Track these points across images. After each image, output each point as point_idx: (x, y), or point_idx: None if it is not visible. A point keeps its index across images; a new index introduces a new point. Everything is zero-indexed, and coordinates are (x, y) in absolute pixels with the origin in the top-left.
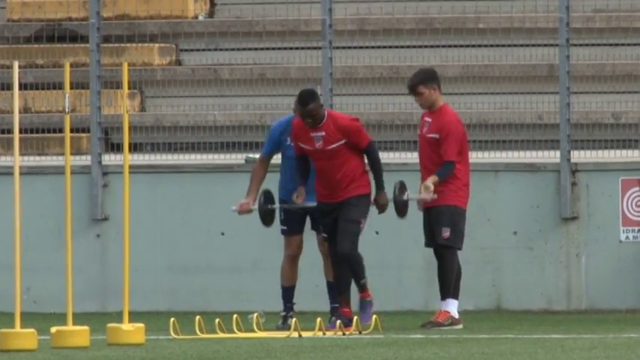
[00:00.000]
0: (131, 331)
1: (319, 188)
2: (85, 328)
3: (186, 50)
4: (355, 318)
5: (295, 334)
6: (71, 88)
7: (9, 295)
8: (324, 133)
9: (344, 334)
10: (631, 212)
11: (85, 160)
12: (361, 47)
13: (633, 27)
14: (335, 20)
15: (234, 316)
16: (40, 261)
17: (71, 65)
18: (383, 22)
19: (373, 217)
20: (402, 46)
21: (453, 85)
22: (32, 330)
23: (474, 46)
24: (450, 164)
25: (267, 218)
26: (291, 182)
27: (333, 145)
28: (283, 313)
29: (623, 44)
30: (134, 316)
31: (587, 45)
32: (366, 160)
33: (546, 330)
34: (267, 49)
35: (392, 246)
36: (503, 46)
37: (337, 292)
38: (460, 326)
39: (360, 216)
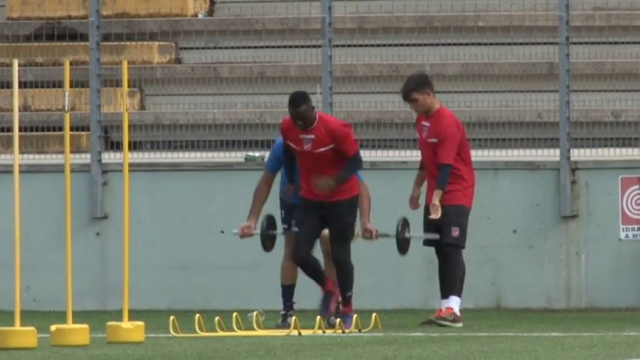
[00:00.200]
0: (131, 329)
1: (305, 185)
2: (85, 326)
3: (185, 48)
4: (356, 317)
5: (295, 333)
6: (71, 86)
7: (9, 293)
8: (313, 136)
9: (343, 332)
10: (631, 210)
11: (85, 158)
12: (361, 45)
13: (633, 25)
14: (335, 18)
15: (234, 314)
16: (40, 259)
17: (71, 63)
18: (382, 21)
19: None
20: (402, 45)
21: (453, 83)
22: (32, 328)
23: (473, 44)
24: (445, 167)
25: (267, 243)
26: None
27: (322, 149)
28: (283, 312)
29: (622, 42)
30: (134, 315)
31: (586, 43)
32: None
33: (546, 328)
34: (267, 47)
35: (392, 244)
36: (503, 44)
37: (315, 280)
38: (460, 324)
39: (353, 220)
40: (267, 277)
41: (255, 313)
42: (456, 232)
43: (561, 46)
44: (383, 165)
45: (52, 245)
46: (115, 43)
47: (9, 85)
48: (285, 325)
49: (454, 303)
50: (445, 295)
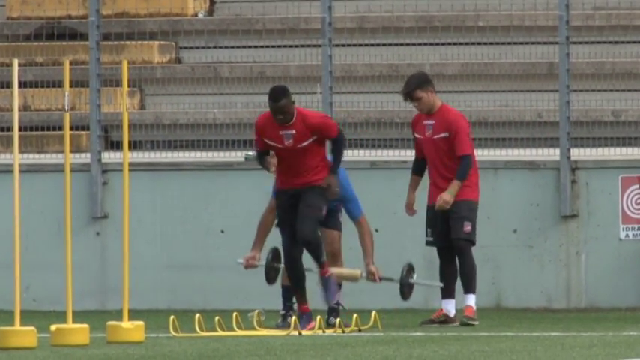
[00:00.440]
0: (131, 328)
1: (281, 177)
2: (85, 325)
3: (185, 48)
4: (356, 316)
5: (295, 332)
6: (71, 86)
7: (9, 292)
8: (294, 132)
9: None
10: (631, 210)
11: (85, 158)
12: (361, 45)
13: (633, 25)
14: (335, 18)
15: (234, 313)
16: (40, 259)
17: (71, 63)
18: (382, 20)
19: (373, 215)
20: (402, 44)
21: (453, 83)
22: (32, 328)
23: (473, 44)
24: (467, 158)
25: (271, 276)
26: None
27: (304, 144)
28: (283, 312)
29: (622, 42)
30: (134, 314)
31: (586, 43)
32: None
33: (546, 328)
34: (267, 47)
35: (392, 243)
36: (503, 44)
37: (293, 289)
38: (456, 324)
39: (322, 203)
40: None
41: (255, 312)
42: (468, 227)
43: (561, 46)
44: (383, 165)
45: (52, 245)
46: (115, 42)
47: (9, 85)
48: (285, 324)
49: (472, 300)
50: (466, 290)
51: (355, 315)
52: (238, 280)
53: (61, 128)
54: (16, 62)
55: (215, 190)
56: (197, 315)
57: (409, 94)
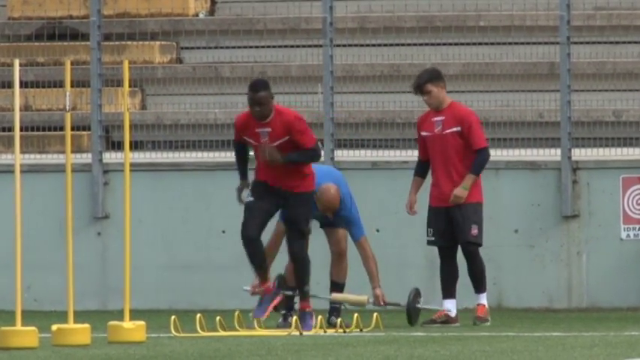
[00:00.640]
0: (132, 329)
1: (261, 173)
2: (86, 326)
3: (186, 48)
4: (357, 316)
5: (296, 332)
6: (72, 86)
7: (10, 293)
8: (270, 129)
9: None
10: (632, 210)
11: (86, 158)
12: (362, 45)
13: (634, 25)
14: (336, 18)
15: (236, 313)
16: (41, 259)
17: (72, 63)
18: (384, 20)
19: (374, 215)
20: (403, 44)
21: (454, 83)
22: (33, 328)
23: (474, 44)
24: (484, 151)
25: (279, 304)
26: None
27: (279, 142)
28: (283, 312)
29: (623, 42)
30: (135, 314)
31: (587, 43)
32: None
33: (547, 328)
34: (268, 47)
35: (393, 244)
36: (504, 44)
37: (254, 270)
38: (457, 324)
39: (308, 215)
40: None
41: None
42: (474, 230)
43: (562, 46)
44: (384, 165)
45: (54, 245)
46: (116, 42)
47: (10, 85)
48: (286, 324)
49: (484, 300)
50: (477, 290)
51: (356, 315)
52: (239, 280)
53: (62, 128)
54: (17, 62)
55: (216, 190)
56: (198, 315)
57: (420, 87)
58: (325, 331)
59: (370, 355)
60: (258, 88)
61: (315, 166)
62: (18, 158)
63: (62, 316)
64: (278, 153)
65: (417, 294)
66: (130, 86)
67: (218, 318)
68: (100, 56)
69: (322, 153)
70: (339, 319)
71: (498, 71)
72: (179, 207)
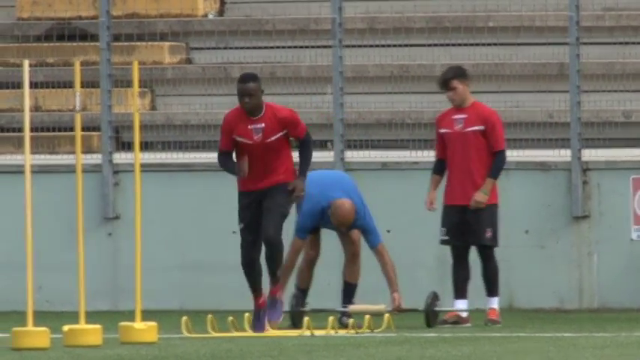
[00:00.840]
0: (143, 329)
1: (247, 182)
2: (98, 326)
3: (196, 49)
4: (368, 317)
5: (308, 333)
6: (82, 86)
7: (21, 293)
8: (263, 125)
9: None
10: None
11: (96, 158)
12: (371, 46)
13: None
14: (345, 19)
15: (247, 314)
16: (52, 260)
17: (81, 64)
18: (393, 21)
19: (384, 216)
20: (412, 45)
21: None
22: (45, 328)
23: (484, 44)
24: (502, 153)
25: (297, 320)
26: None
27: (273, 137)
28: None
29: (633, 42)
30: (146, 315)
31: (597, 43)
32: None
33: (558, 329)
34: (277, 47)
35: (404, 244)
36: (514, 44)
37: (251, 290)
38: (469, 325)
39: (287, 202)
40: None
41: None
42: (489, 232)
43: (572, 47)
44: (394, 165)
45: (64, 246)
46: (126, 43)
47: (20, 86)
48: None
49: (496, 303)
50: (489, 293)
51: (367, 316)
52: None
53: (72, 129)
54: (26, 63)
55: (226, 190)
56: (209, 316)
57: (446, 82)
58: (337, 332)
59: (382, 355)
60: (247, 79)
61: (324, 172)
62: (28, 159)
63: (73, 317)
64: (302, 183)
65: (434, 297)
66: (139, 87)
67: (230, 318)
68: (109, 57)
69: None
70: (350, 320)
71: (508, 72)
72: (189, 207)
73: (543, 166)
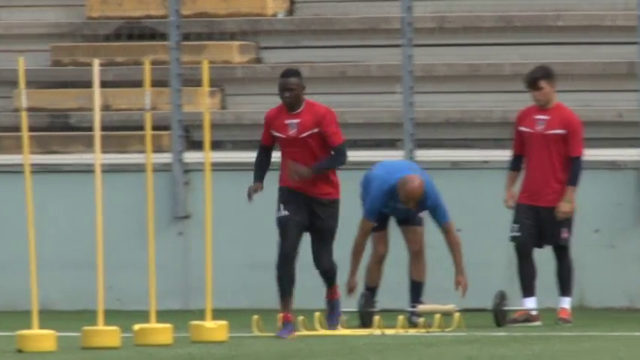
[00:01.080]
0: (214, 328)
1: (286, 178)
2: (168, 325)
3: (266, 48)
4: (438, 316)
5: (378, 332)
6: (151, 85)
7: (92, 292)
8: (299, 120)
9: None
10: None
11: (166, 157)
12: (441, 45)
13: None
14: (414, 18)
15: (316, 313)
16: (123, 259)
17: (151, 63)
18: (462, 20)
19: (454, 215)
20: (482, 44)
21: None
22: (115, 328)
23: (553, 43)
24: (579, 160)
25: (366, 320)
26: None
27: (306, 133)
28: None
29: None
30: (217, 314)
31: None
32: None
33: (629, 328)
34: (347, 47)
35: (474, 243)
36: (583, 43)
37: (281, 295)
38: (538, 322)
39: (336, 224)
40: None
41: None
42: (565, 233)
43: None
44: (464, 165)
45: (135, 245)
46: (195, 42)
47: (90, 85)
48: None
49: (567, 303)
50: (561, 293)
51: (438, 315)
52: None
53: (142, 128)
54: (96, 62)
55: None
56: (280, 315)
57: (534, 82)
58: (407, 331)
59: (452, 354)
60: (289, 74)
61: (391, 160)
62: (98, 158)
63: (144, 316)
64: (305, 169)
65: (503, 296)
66: (209, 86)
67: (301, 317)
68: (179, 56)
69: (347, 155)
70: (421, 319)
71: (577, 71)
72: (260, 206)
73: (613, 166)
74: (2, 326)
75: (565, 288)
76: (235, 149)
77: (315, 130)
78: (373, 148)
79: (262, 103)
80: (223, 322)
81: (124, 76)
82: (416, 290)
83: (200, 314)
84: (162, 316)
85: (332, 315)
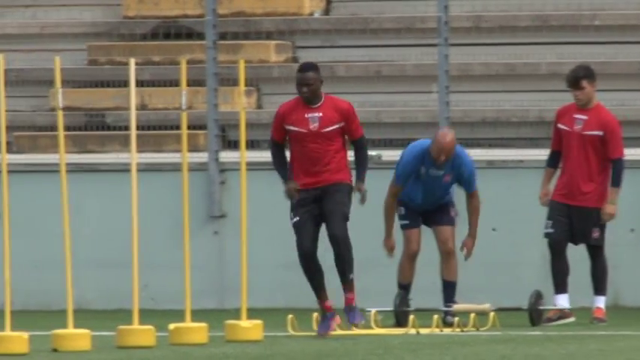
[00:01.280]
0: (249, 327)
1: (302, 176)
2: (203, 324)
3: (302, 47)
4: (473, 315)
5: (413, 331)
6: (188, 85)
7: (127, 292)
8: (321, 114)
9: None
10: None
11: (202, 157)
12: (477, 44)
13: None
14: (451, 17)
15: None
16: (158, 258)
17: (187, 62)
18: (498, 19)
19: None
20: (518, 43)
21: None
22: (150, 327)
23: (589, 43)
24: (620, 161)
25: (402, 319)
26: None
27: (330, 128)
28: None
29: None
30: (252, 313)
31: None
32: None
33: None
34: (383, 46)
35: (509, 242)
36: (619, 43)
37: (313, 289)
38: (572, 319)
39: (349, 202)
40: (385, 276)
41: (373, 311)
42: (596, 233)
43: None
44: (500, 164)
45: (170, 244)
46: (232, 42)
47: (126, 84)
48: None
49: (601, 302)
50: (596, 292)
51: (473, 314)
52: (356, 278)
53: (178, 127)
54: (132, 61)
55: None
56: (315, 314)
57: (577, 81)
58: (442, 330)
59: (487, 354)
60: (307, 69)
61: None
62: (134, 157)
63: (179, 315)
64: (363, 187)
65: (538, 296)
66: (245, 85)
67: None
68: (215, 55)
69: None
70: (455, 318)
71: (613, 70)
72: None
73: None
74: (38, 325)
75: (600, 287)
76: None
77: (339, 125)
78: None
79: None
80: (258, 322)
81: (160, 75)
82: (449, 290)
83: (235, 313)
84: (198, 315)
85: (352, 314)
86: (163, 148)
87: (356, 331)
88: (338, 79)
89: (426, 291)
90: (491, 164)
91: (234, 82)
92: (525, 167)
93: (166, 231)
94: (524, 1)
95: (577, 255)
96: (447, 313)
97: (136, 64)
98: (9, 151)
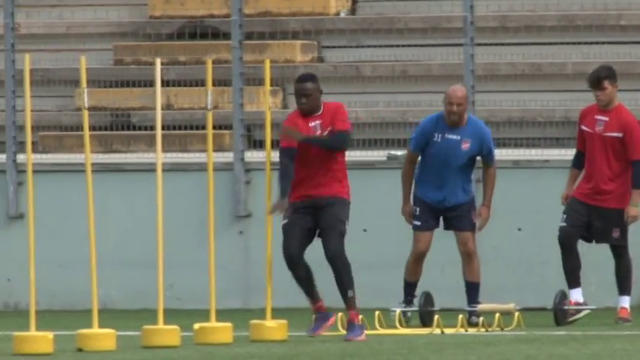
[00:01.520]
0: (274, 327)
1: (301, 188)
2: (228, 324)
3: (328, 47)
4: (498, 316)
5: (438, 331)
6: (213, 85)
7: (152, 291)
8: (321, 121)
9: (486, 331)
10: None
11: (228, 156)
12: (503, 44)
13: None
14: (476, 17)
15: (376, 312)
16: (183, 258)
17: (213, 62)
18: (524, 19)
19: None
20: (544, 43)
21: None
22: (175, 326)
23: (615, 42)
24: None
25: (426, 318)
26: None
27: (327, 131)
28: (403, 303)
29: None
30: (277, 313)
31: None
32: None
33: None
34: (409, 46)
35: (534, 242)
36: None
37: (304, 291)
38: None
39: (345, 217)
40: None
41: (397, 311)
42: (616, 233)
43: None
44: (525, 164)
45: (195, 244)
46: (258, 41)
47: (152, 84)
48: (405, 318)
49: (626, 302)
50: (620, 292)
51: (497, 314)
52: (380, 279)
53: (203, 127)
54: (158, 61)
55: (357, 189)
56: (339, 314)
57: (599, 81)
58: (467, 330)
59: (511, 353)
60: (305, 80)
61: None
62: (160, 157)
63: (204, 315)
64: (298, 133)
65: (563, 296)
66: (271, 85)
67: (360, 317)
68: (241, 55)
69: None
70: (480, 319)
71: (639, 70)
72: None
73: None
74: (63, 325)
75: (624, 287)
76: None
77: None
78: None
79: None
80: (283, 321)
81: (186, 75)
82: (472, 292)
83: (260, 313)
84: (222, 315)
85: (350, 332)
86: (189, 147)
87: (381, 330)
88: (364, 79)
89: (450, 291)
90: (516, 164)
91: (260, 82)
92: (551, 167)
93: (192, 231)
94: (551, 0)
95: (602, 255)
96: (471, 314)
97: (162, 63)
98: (35, 150)
